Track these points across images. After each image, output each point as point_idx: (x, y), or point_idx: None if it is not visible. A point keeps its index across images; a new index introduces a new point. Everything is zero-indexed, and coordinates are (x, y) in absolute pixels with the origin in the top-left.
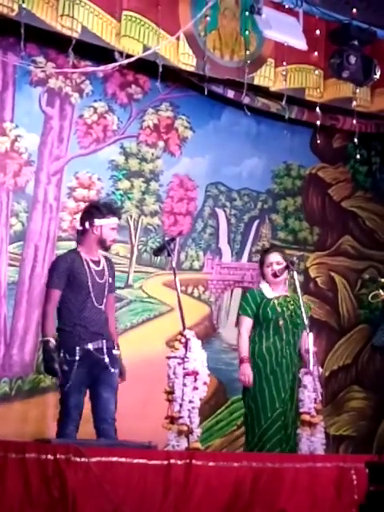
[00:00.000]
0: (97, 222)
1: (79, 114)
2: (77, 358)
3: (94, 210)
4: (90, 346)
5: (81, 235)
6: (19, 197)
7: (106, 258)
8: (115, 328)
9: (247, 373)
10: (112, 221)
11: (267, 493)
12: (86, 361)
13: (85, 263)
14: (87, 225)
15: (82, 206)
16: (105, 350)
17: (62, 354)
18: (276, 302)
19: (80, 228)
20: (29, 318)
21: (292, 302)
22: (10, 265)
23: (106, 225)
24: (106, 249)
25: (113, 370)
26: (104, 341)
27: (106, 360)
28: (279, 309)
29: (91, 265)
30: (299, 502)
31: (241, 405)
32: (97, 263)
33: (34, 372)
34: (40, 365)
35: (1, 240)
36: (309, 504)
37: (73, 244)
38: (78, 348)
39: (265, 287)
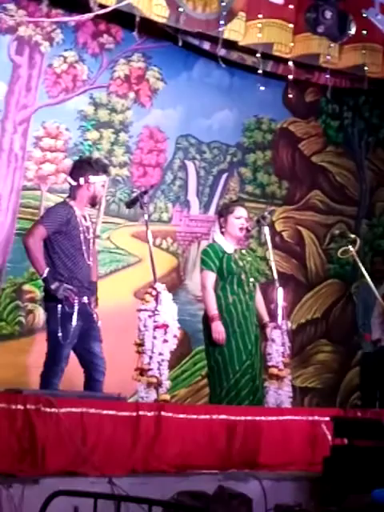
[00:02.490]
0: (91, 178)
1: (48, 63)
2: (75, 310)
3: (87, 167)
4: (85, 300)
5: (74, 190)
6: None
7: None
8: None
9: (221, 330)
10: (103, 178)
11: (246, 447)
12: (81, 314)
13: (78, 218)
14: (82, 181)
15: (49, 155)
16: (92, 305)
17: (60, 306)
18: (236, 256)
19: (74, 183)
20: None
21: (247, 256)
22: None
23: (98, 182)
24: (94, 205)
25: (99, 323)
26: (91, 296)
27: (94, 315)
28: (241, 263)
29: (82, 220)
30: (275, 456)
31: (205, 356)
32: (85, 219)
33: None
34: (1, 311)
35: None
36: (284, 458)
37: (37, 193)
38: (76, 300)
39: (221, 240)
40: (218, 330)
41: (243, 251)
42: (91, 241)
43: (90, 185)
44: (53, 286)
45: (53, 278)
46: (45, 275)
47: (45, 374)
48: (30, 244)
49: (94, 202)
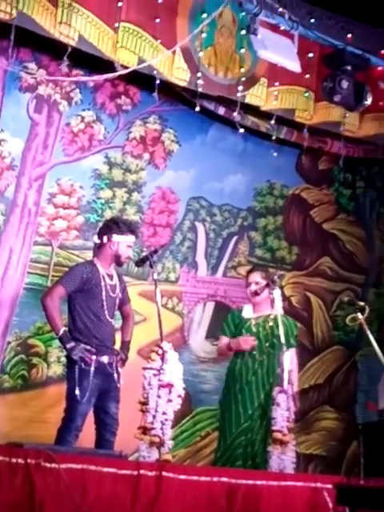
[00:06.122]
0: (115, 237)
1: (66, 121)
2: (92, 368)
3: (113, 226)
4: (105, 359)
5: (98, 248)
6: None
7: (117, 273)
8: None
9: (246, 339)
10: (129, 239)
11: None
12: (99, 373)
13: (101, 276)
14: (105, 239)
15: (61, 212)
16: (114, 365)
17: (77, 365)
18: (253, 322)
19: (98, 241)
20: None
21: (271, 322)
22: None
23: (123, 242)
24: (120, 265)
25: (119, 385)
26: (114, 356)
27: (115, 375)
28: (255, 329)
29: (106, 278)
30: None
31: (205, 416)
32: (110, 277)
33: None
34: (5, 365)
35: None
36: None
37: (48, 249)
38: (94, 359)
39: (246, 308)
40: (245, 340)
41: (268, 318)
42: (116, 300)
43: (112, 243)
44: (68, 346)
45: (71, 336)
46: (60, 334)
47: (61, 429)
48: (47, 303)
49: (118, 261)
